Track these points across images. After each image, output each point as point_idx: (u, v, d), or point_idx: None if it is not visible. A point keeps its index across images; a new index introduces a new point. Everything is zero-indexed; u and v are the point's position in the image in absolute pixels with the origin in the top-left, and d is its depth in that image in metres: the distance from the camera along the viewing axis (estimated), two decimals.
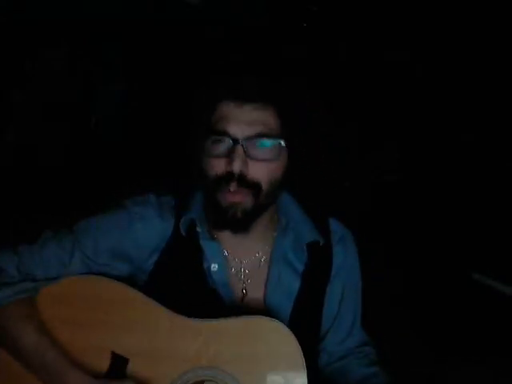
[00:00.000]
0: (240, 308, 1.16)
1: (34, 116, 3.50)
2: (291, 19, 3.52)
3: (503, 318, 2.51)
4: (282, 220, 1.24)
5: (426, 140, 3.43)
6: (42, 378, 1.09)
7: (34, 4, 3.29)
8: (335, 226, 1.28)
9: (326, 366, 1.29)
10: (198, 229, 1.18)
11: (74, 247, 1.16)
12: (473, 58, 3.23)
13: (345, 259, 1.27)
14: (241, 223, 1.12)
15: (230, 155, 1.08)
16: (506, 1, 3.08)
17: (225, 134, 1.08)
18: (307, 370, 1.06)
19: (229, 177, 1.08)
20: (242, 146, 1.07)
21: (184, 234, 1.17)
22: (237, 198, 1.09)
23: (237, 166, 1.07)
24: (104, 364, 1.10)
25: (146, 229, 1.17)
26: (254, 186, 1.09)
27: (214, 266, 1.17)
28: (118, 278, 1.15)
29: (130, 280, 1.16)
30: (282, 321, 1.08)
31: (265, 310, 1.17)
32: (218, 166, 1.10)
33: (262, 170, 1.09)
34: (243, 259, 1.21)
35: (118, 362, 1.10)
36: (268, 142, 1.09)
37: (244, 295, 1.20)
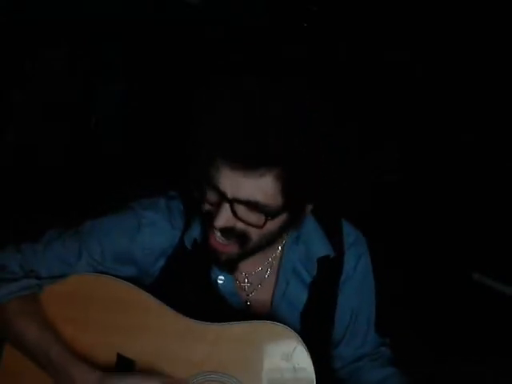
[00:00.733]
0: (246, 318, 1.14)
1: (34, 116, 3.50)
2: (291, 19, 3.53)
3: (503, 318, 2.51)
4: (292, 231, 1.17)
5: (425, 140, 3.43)
6: (50, 375, 1.08)
7: (33, 4, 3.29)
8: (348, 229, 1.23)
9: (340, 370, 1.27)
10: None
11: (81, 249, 1.14)
12: (473, 58, 3.23)
13: (357, 263, 1.22)
14: (225, 266, 1.08)
15: (217, 208, 0.99)
16: (506, 1, 3.09)
17: (214, 188, 0.98)
18: (318, 374, 1.05)
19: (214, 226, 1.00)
20: (231, 205, 0.97)
21: (190, 248, 1.14)
22: (220, 247, 1.03)
23: (220, 223, 0.98)
24: (109, 366, 1.09)
25: (154, 234, 1.14)
26: (240, 237, 1.01)
27: (221, 278, 1.14)
28: (125, 280, 1.13)
29: (136, 282, 1.14)
30: None
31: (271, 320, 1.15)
32: (208, 207, 1.02)
33: (251, 227, 0.99)
34: (249, 272, 1.18)
35: (124, 364, 1.09)
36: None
37: (248, 306, 1.18)
